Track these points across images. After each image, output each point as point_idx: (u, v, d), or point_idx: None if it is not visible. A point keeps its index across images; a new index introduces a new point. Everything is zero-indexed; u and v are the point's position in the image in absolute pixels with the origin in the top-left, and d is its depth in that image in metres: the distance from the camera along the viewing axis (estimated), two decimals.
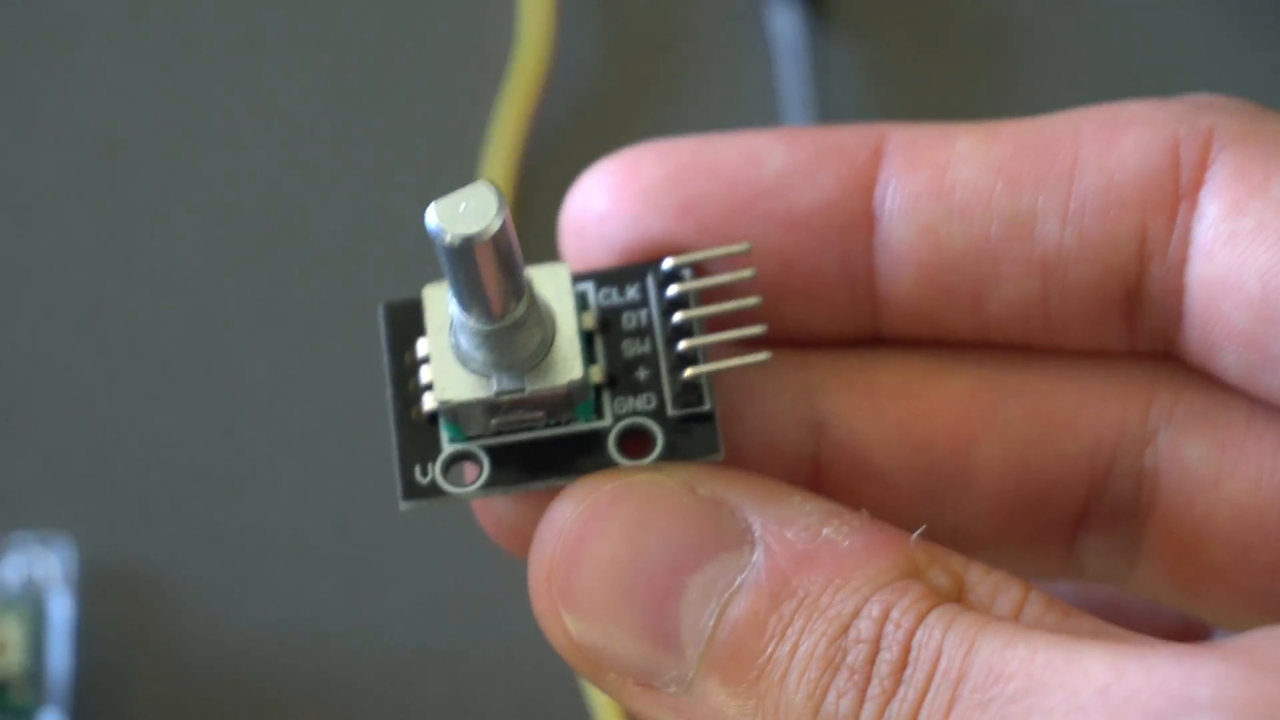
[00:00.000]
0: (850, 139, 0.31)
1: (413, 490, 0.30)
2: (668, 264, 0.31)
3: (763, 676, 0.28)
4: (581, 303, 0.31)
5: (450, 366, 0.29)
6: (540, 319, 0.29)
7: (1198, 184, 0.30)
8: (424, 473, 0.30)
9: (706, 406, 0.30)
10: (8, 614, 0.48)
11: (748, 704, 0.28)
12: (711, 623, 0.28)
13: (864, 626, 0.27)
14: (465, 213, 0.27)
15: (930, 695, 0.26)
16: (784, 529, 0.28)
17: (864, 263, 0.31)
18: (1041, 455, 0.32)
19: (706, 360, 0.30)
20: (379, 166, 0.53)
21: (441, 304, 0.30)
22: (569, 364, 0.29)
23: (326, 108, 0.53)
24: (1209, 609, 0.32)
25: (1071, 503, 0.32)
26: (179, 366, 0.51)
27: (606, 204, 0.31)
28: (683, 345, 0.30)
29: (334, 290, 0.52)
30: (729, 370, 0.30)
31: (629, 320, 0.31)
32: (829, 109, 0.52)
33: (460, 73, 0.54)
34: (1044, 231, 0.30)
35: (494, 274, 0.28)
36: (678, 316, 0.30)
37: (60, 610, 0.48)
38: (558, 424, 0.30)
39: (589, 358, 0.30)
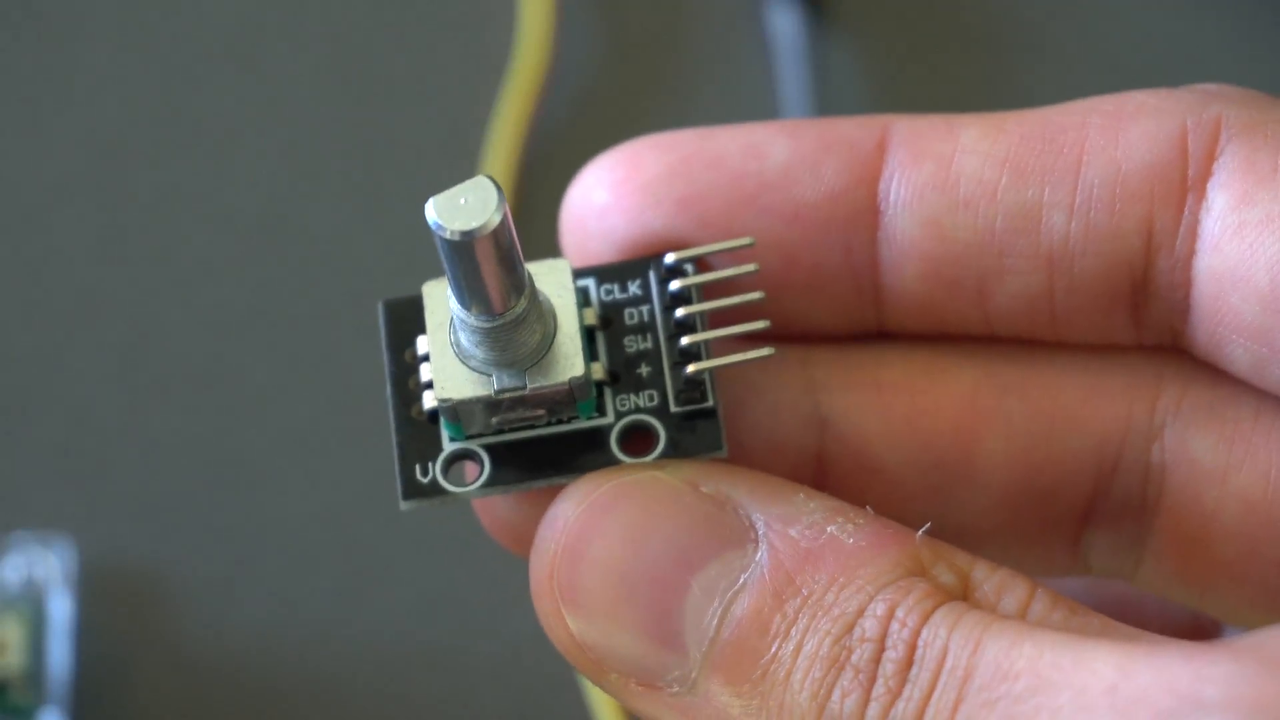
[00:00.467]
0: (854, 131, 0.31)
1: (413, 489, 0.30)
2: (670, 259, 0.30)
3: (766, 676, 0.27)
4: (583, 299, 0.30)
5: (450, 364, 0.29)
6: (541, 315, 0.29)
7: (1206, 175, 0.29)
8: (424, 472, 0.30)
9: (710, 403, 0.30)
10: (8, 614, 0.48)
11: (751, 704, 0.27)
12: (715, 622, 0.28)
13: (869, 625, 0.27)
14: (465, 207, 0.27)
15: (936, 695, 0.26)
16: (788, 526, 0.28)
17: (868, 256, 0.31)
18: (1047, 450, 0.31)
19: (709, 356, 0.30)
20: (379, 166, 0.53)
21: (441, 301, 0.29)
22: (570, 361, 0.29)
23: (327, 107, 0.53)
24: (1216, 604, 0.32)
25: (1078, 498, 0.32)
26: (179, 366, 0.51)
27: (607, 198, 0.31)
28: (685, 341, 0.30)
29: (334, 289, 0.52)
30: (732, 366, 0.30)
31: (631, 316, 0.30)
32: (829, 109, 0.52)
33: (460, 72, 0.54)
34: (1050, 224, 0.30)
35: (494, 269, 0.28)
36: (680, 312, 0.30)
37: (60, 610, 0.48)
38: (559, 422, 0.30)
39: (590, 354, 0.30)
